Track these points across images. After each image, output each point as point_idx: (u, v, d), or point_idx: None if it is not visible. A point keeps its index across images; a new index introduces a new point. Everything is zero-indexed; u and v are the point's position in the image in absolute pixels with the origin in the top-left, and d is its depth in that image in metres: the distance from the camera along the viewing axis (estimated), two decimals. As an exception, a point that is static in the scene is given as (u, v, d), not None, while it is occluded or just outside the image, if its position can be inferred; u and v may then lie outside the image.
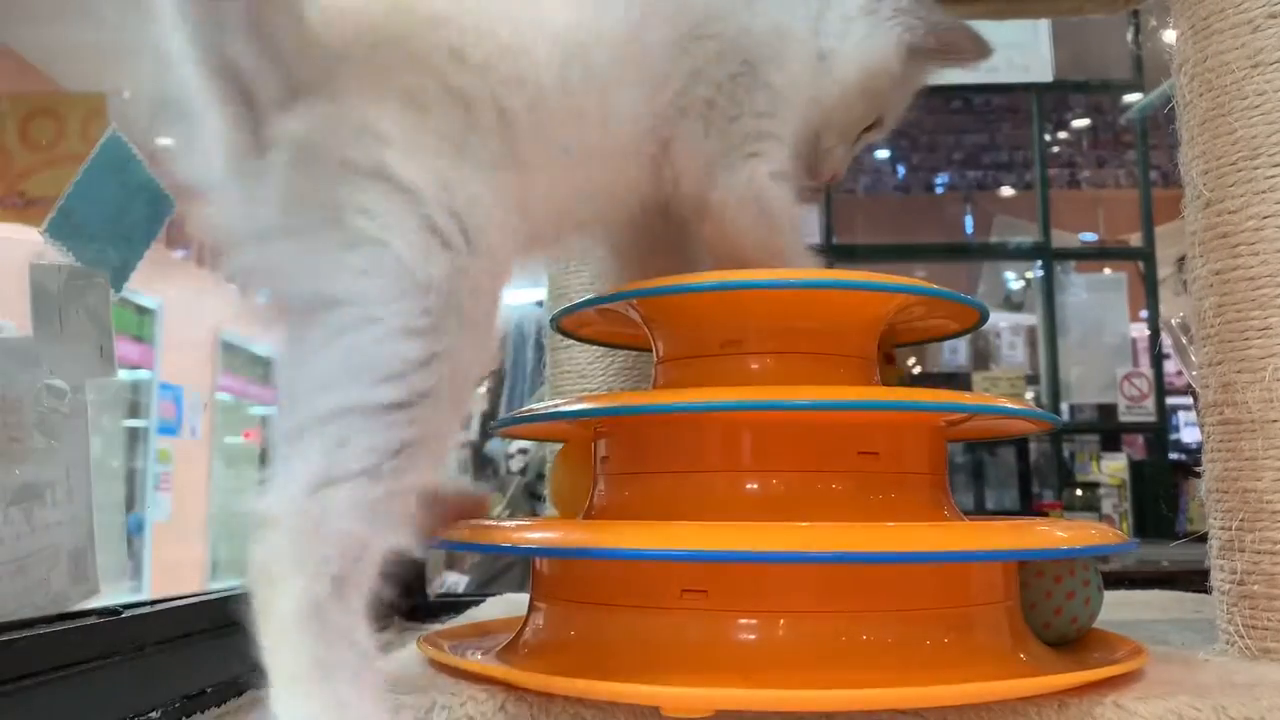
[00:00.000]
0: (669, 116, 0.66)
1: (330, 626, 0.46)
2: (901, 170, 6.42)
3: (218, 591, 0.75)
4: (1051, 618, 0.67)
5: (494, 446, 4.15)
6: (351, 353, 0.49)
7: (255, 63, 0.48)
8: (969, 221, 6.07)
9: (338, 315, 0.49)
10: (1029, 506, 3.55)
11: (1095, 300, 3.98)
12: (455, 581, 2.76)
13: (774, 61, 0.70)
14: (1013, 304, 4.84)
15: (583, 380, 1.07)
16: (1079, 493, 3.36)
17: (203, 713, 0.65)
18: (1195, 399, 0.74)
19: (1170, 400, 3.94)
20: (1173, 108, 0.74)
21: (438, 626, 0.81)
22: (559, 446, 0.83)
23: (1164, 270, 3.74)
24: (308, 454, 0.48)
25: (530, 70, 0.56)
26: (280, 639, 0.46)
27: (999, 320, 4.27)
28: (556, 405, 0.67)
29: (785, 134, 0.70)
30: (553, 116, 0.57)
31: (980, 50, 0.79)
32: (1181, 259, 0.85)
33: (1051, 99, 4.80)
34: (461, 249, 0.50)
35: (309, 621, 0.46)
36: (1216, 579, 0.70)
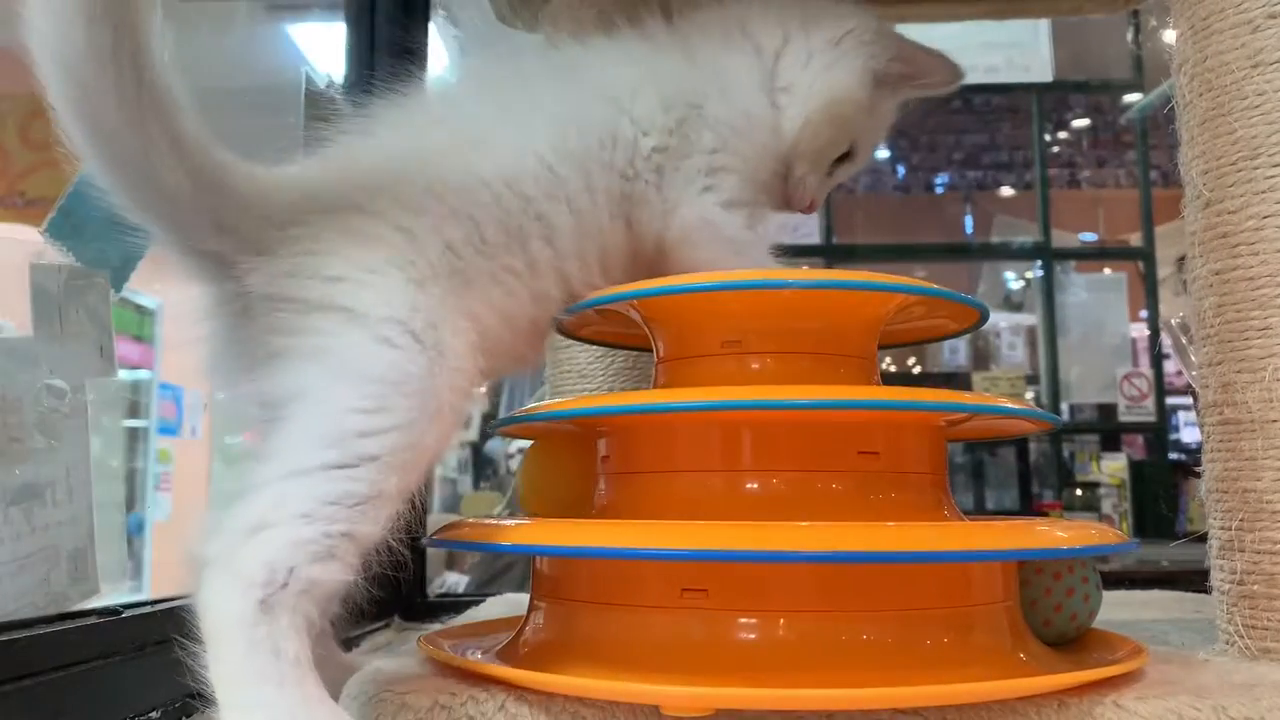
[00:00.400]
0: (621, 179, 0.71)
1: (257, 640, 0.50)
2: (901, 170, 6.42)
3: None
4: (1051, 615, 0.67)
5: (494, 446, 4.16)
6: (302, 428, 0.55)
7: (223, 245, 0.57)
8: (969, 221, 6.06)
9: (294, 404, 0.56)
10: (1029, 506, 3.55)
11: (1095, 300, 3.98)
12: (455, 581, 2.76)
13: (719, 98, 0.74)
14: (1013, 304, 4.84)
15: (583, 380, 1.07)
16: (1079, 493, 3.36)
17: (203, 713, 0.65)
18: (1195, 399, 0.74)
19: (1170, 400, 3.94)
20: (1173, 108, 0.74)
21: (438, 626, 0.81)
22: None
23: (1164, 270, 3.74)
24: (250, 507, 0.53)
25: (467, 208, 0.63)
26: (216, 656, 0.51)
27: (999, 320, 4.27)
28: (555, 405, 0.67)
29: (737, 164, 0.74)
30: (494, 244, 0.64)
31: (951, 74, 0.82)
32: (1181, 259, 0.85)
33: (1051, 99, 4.79)
34: (409, 348, 0.57)
35: (239, 635, 0.50)
36: (1216, 579, 0.70)
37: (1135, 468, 3.36)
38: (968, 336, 4.10)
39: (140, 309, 4.28)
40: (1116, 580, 1.00)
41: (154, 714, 0.64)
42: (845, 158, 0.80)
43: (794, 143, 0.76)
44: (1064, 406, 3.80)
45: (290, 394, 0.56)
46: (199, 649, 0.51)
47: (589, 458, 0.69)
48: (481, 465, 4.36)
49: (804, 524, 0.53)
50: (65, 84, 0.50)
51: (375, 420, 0.55)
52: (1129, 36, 3.71)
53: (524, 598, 0.71)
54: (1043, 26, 3.42)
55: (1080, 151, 6.29)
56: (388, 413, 0.55)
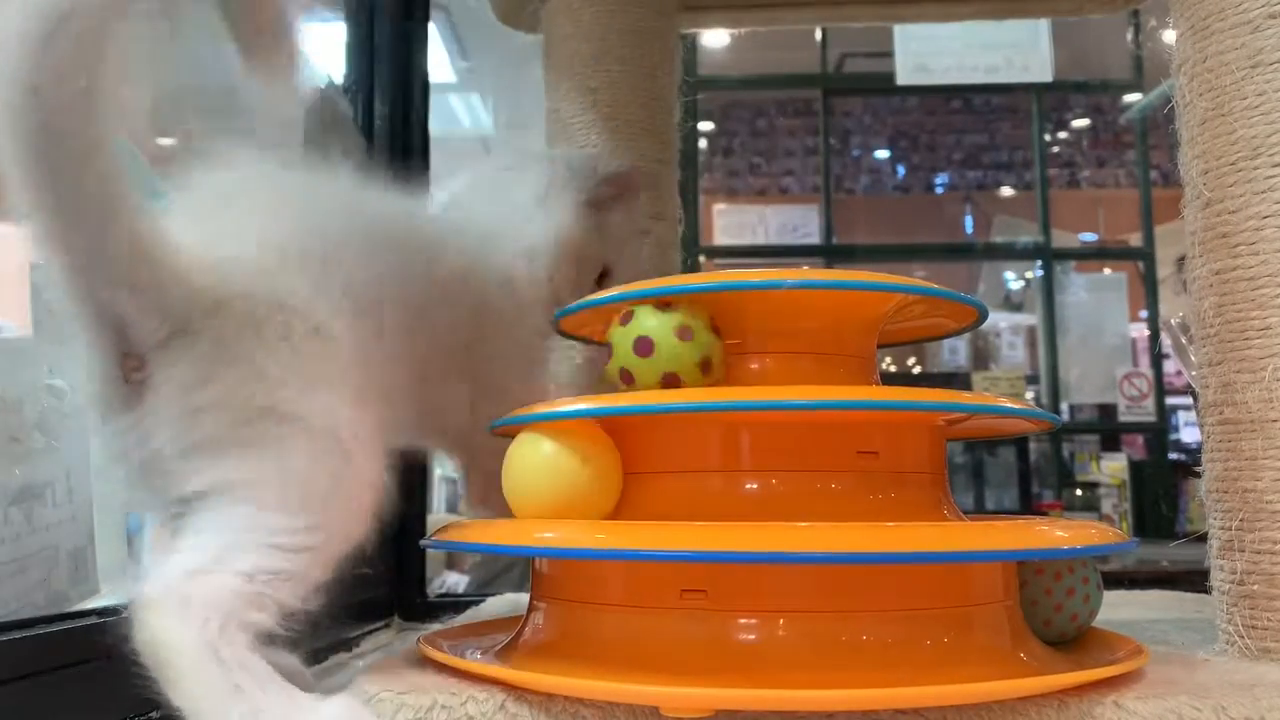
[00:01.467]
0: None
1: (224, 659, 0.50)
2: (901, 170, 6.42)
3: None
4: (1051, 615, 0.67)
5: (494, 447, 4.15)
6: (240, 514, 0.54)
7: (131, 310, 0.52)
8: (969, 221, 6.07)
9: (225, 494, 0.54)
10: (1029, 506, 3.55)
11: (1095, 300, 3.98)
12: (455, 581, 2.76)
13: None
14: (1013, 304, 4.85)
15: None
16: (1079, 493, 3.36)
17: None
18: (1195, 399, 0.74)
19: (1170, 400, 3.95)
20: (1173, 108, 0.74)
21: (438, 626, 0.81)
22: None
23: (1164, 270, 3.75)
24: (191, 557, 0.53)
25: (355, 271, 0.62)
26: (185, 676, 0.50)
27: (999, 320, 4.28)
28: (554, 405, 0.67)
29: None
30: (363, 319, 0.62)
31: (641, 181, 0.89)
32: (1181, 259, 0.85)
33: (1051, 99, 4.81)
34: (346, 458, 0.57)
35: (206, 657, 0.50)
36: (1216, 579, 0.70)
37: (1135, 468, 3.36)
38: (967, 336, 4.11)
39: (140, 309, 4.26)
40: (1116, 580, 1.00)
41: (154, 714, 0.64)
42: (603, 277, 0.83)
43: (556, 288, 0.78)
44: (1064, 406, 3.80)
45: (223, 482, 0.54)
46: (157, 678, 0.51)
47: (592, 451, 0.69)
48: (481, 465, 4.35)
49: (804, 524, 0.53)
50: (26, 117, 0.44)
51: (314, 523, 0.56)
52: (1129, 36, 3.72)
53: (524, 598, 0.71)
54: (1043, 26, 3.42)
55: (1080, 151, 6.30)
56: (326, 526, 0.56)
